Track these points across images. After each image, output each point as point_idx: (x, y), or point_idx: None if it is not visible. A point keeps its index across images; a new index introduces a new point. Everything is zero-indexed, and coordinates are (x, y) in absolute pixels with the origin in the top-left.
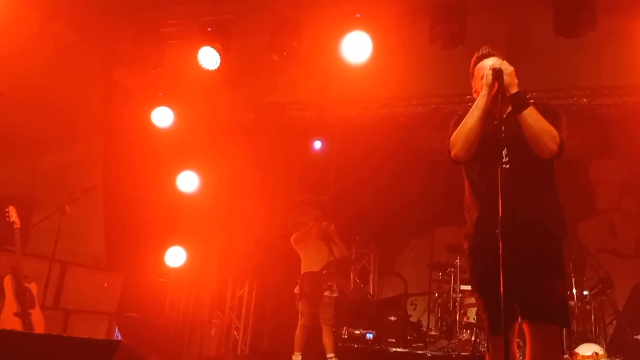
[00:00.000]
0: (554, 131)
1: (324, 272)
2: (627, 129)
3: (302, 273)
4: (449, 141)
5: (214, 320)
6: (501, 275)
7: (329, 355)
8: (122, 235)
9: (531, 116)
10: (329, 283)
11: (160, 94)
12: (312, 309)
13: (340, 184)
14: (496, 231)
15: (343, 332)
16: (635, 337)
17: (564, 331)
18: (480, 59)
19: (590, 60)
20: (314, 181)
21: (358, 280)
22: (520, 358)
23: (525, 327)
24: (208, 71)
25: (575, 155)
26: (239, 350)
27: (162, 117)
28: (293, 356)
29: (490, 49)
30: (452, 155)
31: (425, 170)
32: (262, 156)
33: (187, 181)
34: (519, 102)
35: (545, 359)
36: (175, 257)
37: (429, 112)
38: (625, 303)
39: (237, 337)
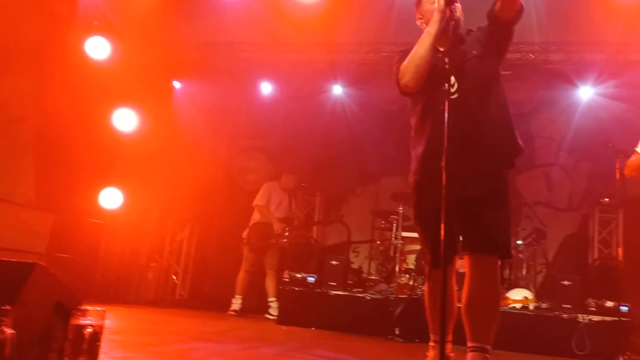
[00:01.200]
0: None
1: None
2: (572, 85)
3: (253, 222)
4: (398, 72)
5: (152, 264)
6: (443, 204)
7: (270, 299)
8: (53, 173)
9: None
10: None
11: (95, 23)
12: (257, 256)
13: (288, 129)
14: (442, 164)
15: (284, 275)
16: (561, 282)
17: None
18: None
19: (540, 16)
20: (262, 125)
21: (304, 230)
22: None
23: (466, 259)
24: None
25: (520, 109)
26: (177, 294)
27: (98, 48)
28: (233, 299)
29: None
30: (401, 85)
31: (375, 118)
32: (208, 97)
33: (125, 119)
34: None
35: (484, 288)
36: (111, 198)
37: (380, 59)
38: (554, 253)
39: (176, 281)
